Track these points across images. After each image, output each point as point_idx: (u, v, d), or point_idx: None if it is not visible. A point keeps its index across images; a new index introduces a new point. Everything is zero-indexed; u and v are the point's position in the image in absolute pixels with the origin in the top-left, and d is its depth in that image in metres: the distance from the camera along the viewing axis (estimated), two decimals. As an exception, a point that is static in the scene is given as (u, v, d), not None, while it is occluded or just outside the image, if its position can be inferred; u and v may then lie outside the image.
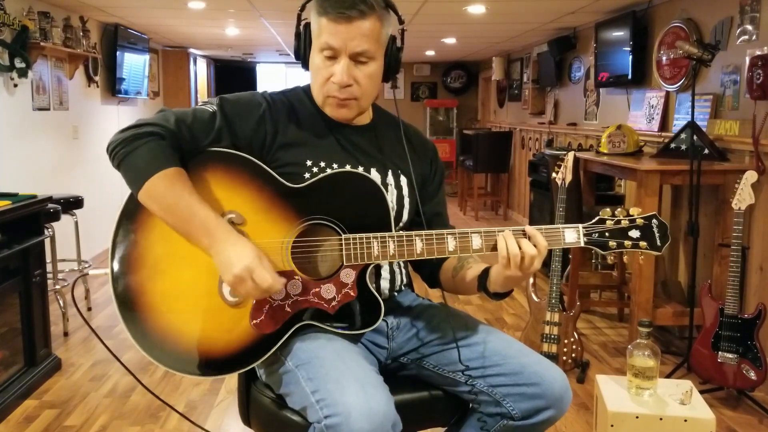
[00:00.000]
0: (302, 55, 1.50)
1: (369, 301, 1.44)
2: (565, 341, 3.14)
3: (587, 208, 3.96)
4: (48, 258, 3.40)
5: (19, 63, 4.12)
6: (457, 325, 1.53)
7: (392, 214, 1.46)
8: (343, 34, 1.40)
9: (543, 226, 1.41)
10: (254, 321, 1.40)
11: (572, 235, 1.43)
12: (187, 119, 1.42)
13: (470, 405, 1.53)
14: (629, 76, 4.50)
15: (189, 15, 5.39)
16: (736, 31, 3.39)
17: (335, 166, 1.48)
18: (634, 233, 1.44)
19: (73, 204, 4.03)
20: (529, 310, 3.29)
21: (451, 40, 7.16)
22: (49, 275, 3.49)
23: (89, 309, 4.15)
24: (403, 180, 1.58)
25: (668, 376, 3.05)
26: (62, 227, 3.94)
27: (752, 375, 2.76)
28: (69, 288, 4.00)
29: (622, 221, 1.44)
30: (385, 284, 1.57)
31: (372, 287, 1.45)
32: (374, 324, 1.45)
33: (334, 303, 1.43)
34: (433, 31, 6.36)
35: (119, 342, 3.50)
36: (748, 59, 3.20)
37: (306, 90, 1.55)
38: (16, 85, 4.24)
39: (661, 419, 2.06)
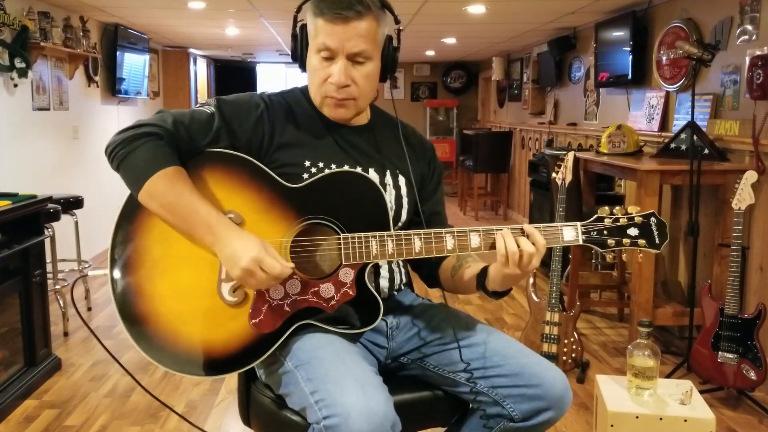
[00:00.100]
0: (299, 57, 1.51)
1: (368, 300, 1.44)
2: (565, 341, 3.14)
3: (587, 208, 3.95)
4: (48, 258, 3.40)
5: (19, 63, 4.12)
6: (457, 325, 1.53)
7: (391, 213, 1.46)
8: (339, 35, 1.40)
9: (541, 225, 1.41)
10: (253, 321, 1.40)
11: (571, 233, 1.43)
12: (185, 120, 1.42)
13: (470, 405, 1.53)
14: (629, 76, 4.50)
15: (189, 15, 5.39)
16: (736, 31, 3.38)
17: (333, 166, 1.48)
18: (633, 231, 1.44)
19: (73, 204, 4.03)
20: (529, 310, 3.29)
21: (451, 40, 7.15)
22: (49, 275, 3.49)
23: (89, 309, 4.15)
24: (402, 180, 1.58)
25: (668, 376, 3.05)
26: (62, 227, 3.95)
27: (752, 375, 2.76)
28: (69, 288, 4.00)
29: (621, 219, 1.44)
30: (384, 283, 1.57)
31: (371, 286, 1.45)
32: (373, 323, 1.45)
33: (333, 302, 1.43)
34: (433, 31, 6.35)
35: (119, 342, 3.49)
36: (748, 59, 3.20)
37: (304, 91, 1.55)
38: (16, 85, 4.24)
39: (661, 419, 2.05)
